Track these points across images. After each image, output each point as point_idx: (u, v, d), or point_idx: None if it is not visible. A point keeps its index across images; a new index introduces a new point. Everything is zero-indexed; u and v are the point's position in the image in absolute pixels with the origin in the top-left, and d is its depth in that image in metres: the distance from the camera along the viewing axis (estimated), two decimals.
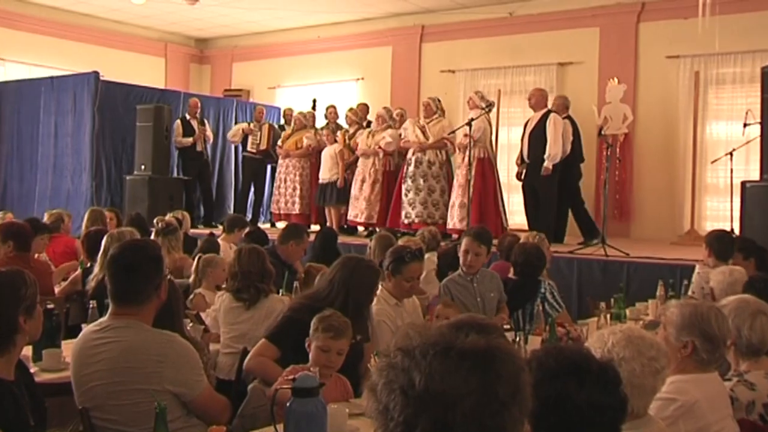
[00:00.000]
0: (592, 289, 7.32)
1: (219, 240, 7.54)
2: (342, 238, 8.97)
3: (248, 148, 11.98)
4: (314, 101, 12.70)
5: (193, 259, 5.71)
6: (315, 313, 3.45)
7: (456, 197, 9.30)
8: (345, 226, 10.70)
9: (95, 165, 11.20)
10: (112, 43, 14.21)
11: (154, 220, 6.83)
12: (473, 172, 9.04)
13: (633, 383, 2.24)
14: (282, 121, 12.71)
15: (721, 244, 5.70)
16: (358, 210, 10.21)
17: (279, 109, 13.66)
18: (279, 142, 11.59)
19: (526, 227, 9.30)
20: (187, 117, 11.77)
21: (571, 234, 9.54)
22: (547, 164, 8.95)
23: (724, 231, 6.10)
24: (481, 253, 5.10)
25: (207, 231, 9.48)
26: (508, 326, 4.42)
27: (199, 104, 11.94)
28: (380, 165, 10.22)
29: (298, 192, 11.20)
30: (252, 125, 12.07)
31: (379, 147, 10.12)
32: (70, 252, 7.10)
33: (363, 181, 10.22)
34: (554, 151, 8.97)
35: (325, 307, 3.60)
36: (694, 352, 2.79)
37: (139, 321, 2.87)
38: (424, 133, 9.75)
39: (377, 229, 9.39)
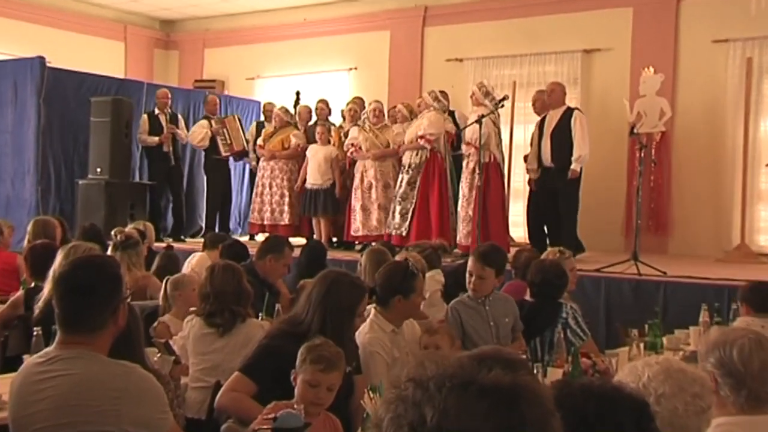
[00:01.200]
0: (622, 314, 7.31)
1: (200, 255, 7.54)
2: (332, 254, 8.95)
3: (223, 153, 11.83)
4: (297, 94, 12.70)
5: (156, 276, 5.70)
6: (295, 339, 3.44)
7: (460, 208, 9.32)
8: (334, 240, 10.70)
9: (41, 167, 11.17)
10: (61, 23, 14.20)
11: (112, 232, 6.82)
12: (476, 180, 9.08)
13: (675, 424, 2.22)
14: (262, 118, 12.71)
15: (758, 296, 5.61)
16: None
17: (259, 103, 13.67)
18: (260, 141, 11.56)
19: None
20: (156, 111, 11.77)
21: (593, 248, 9.52)
22: (575, 167, 9.10)
23: (758, 282, 5.92)
24: (486, 277, 5.05)
25: (177, 245, 9.48)
26: (524, 357, 4.42)
27: (170, 96, 11.93)
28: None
29: (287, 199, 11.15)
30: (215, 122, 11.91)
31: (399, 146, 10.10)
32: (10, 270, 7.05)
33: (386, 186, 10.12)
34: (584, 151, 9.13)
35: (305, 331, 3.60)
36: (718, 387, 2.76)
37: (93, 351, 2.86)
38: (405, 132, 9.84)
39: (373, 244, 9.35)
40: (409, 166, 9.66)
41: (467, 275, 5.09)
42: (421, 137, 9.56)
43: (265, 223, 11.27)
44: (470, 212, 9.07)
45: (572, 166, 9.10)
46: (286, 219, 11.12)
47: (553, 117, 9.47)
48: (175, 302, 5.33)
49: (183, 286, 5.37)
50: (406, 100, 11.23)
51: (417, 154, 9.67)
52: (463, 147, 9.54)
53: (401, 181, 9.69)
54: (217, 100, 12.39)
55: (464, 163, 9.47)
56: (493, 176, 9.33)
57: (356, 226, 10.17)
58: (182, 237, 11.67)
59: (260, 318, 5.13)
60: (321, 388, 3.22)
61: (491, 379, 1.32)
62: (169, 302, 5.35)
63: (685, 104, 10.94)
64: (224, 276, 4.62)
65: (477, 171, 9.01)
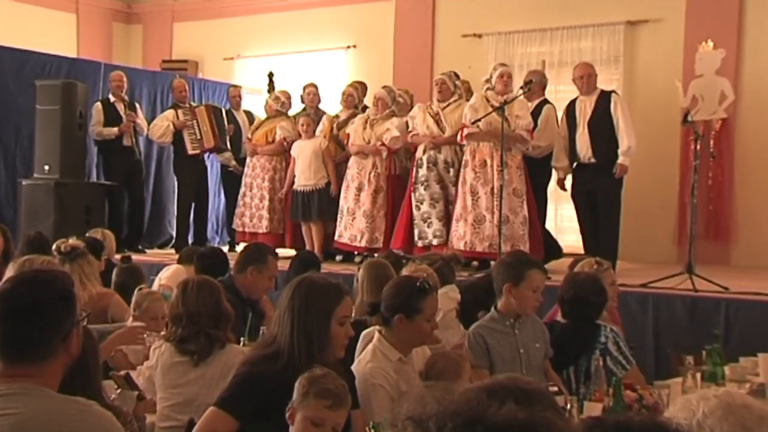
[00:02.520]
0: (674, 338, 7.31)
1: (174, 267, 7.54)
2: (327, 267, 8.96)
3: (190, 151, 11.83)
4: (270, 76, 12.68)
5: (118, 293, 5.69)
6: (274, 360, 3.44)
7: (507, 209, 9.23)
8: (331, 251, 10.73)
9: None
10: None
11: (53, 246, 6.74)
12: (488, 174, 9.22)
13: None
14: (228, 106, 12.69)
15: None
16: (355, 230, 10.20)
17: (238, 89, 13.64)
18: (248, 135, 11.59)
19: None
20: (111, 98, 11.77)
21: (639, 259, 9.48)
22: (624, 161, 9.13)
23: None
24: None
25: (135, 256, 9.46)
26: (555, 388, 4.40)
27: (125, 79, 11.94)
28: (383, 167, 10.24)
29: (266, 203, 11.21)
30: (182, 113, 11.91)
31: (383, 144, 10.13)
32: None
33: (360, 189, 10.21)
34: (633, 141, 9.17)
35: (279, 349, 3.61)
36: None
37: (40, 385, 2.84)
38: (438, 123, 9.79)
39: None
40: (461, 164, 9.69)
41: (533, 292, 5.05)
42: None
43: (246, 230, 11.36)
44: (526, 214, 9.18)
45: (620, 161, 9.12)
46: (264, 226, 11.19)
47: (586, 104, 9.47)
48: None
49: (141, 310, 5.38)
50: (414, 83, 11.27)
51: (461, 150, 9.76)
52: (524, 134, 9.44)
53: (440, 181, 9.70)
54: (186, 85, 12.35)
55: (509, 154, 9.22)
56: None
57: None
58: (140, 247, 11.66)
59: (242, 343, 5.14)
60: (325, 427, 3.24)
61: (503, 416, 1.31)
62: None
63: (751, 85, 10.94)
64: (199, 294, 4.61)
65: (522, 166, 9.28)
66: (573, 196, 9.71)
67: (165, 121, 11.92)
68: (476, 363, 4.73)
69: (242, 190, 11.51)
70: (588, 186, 9.40)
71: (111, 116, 11.62)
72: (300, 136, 11.04)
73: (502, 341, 4.96)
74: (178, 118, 11.83)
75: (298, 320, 3.73)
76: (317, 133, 10.92)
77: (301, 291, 3.82)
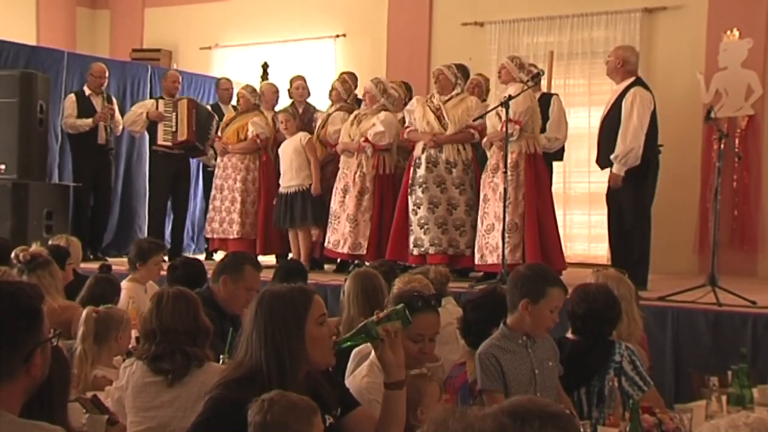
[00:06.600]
0: (696, 357, 7.33)
1: (126, 281, 7.51)
2: (314, 276, 8.94)
3: (160, 141, 11.86)
4: (265, 67, 12.66)
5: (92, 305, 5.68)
6: (252, 384, 3.44)
7: (493, 216, 9.22)
8: (317, 258, 10.78)
9: None
10: None
11: (12, 254, 6.73)
12: (521, 176, 9.08)
13: None
14: (216, 99, 12.68)
15: None
16: (339, 235, 10.20)
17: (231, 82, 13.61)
18: (218, 132, 11.58)
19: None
20: (86, 91, 11.78)
21: (656, 270, 9.49)
22: (617, 170, 8.85)
23: None
24: None
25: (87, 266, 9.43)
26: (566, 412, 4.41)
27: (107, 73, 11.94)
28: (369, 167, 10.21)
29: (237, 206, 11.22)
30: (163, 104, 11.96)
31: (366, 140, 10.14)
32: None
33: (345, 190, 10.22)
34: (631, 145, 8.73)
35: (254, 370, 3.59)
36: None
37: None
38: (440, 118, 9.78)
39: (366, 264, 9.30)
40: (465, 164, 9.70)
41: (551, 311, 4.96)
42: (473, 127, 9.62)
43: (215, 236, 11.41)
44: (515, 220, 9.02)
45: (613, 169, 8.85)
46: (234, 231, 11.21)
47: (612, 96, 9.23)
48: (102, 345, 5.32)
49: (107, 329, 5.36)
50: (410, 76, 11.25)
51: (465, 149, 9.77)
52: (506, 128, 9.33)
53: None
54: (179, 77, 12.44)
55: (495, 157, 9.29)
56: (541, 171, 9.29)
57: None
58: (99, 254, 11.68)
59: (221, 361, 5.12)
60: None
61: None
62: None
63: None
64: (175, 307, 4.61)
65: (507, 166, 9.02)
66: (607, 201, 9.46)
67: (140, 109, 11.99)
68: (490, 387, 4.70)
69: (212, 193, 11.53)
70: (611, 190, 9.17)
71: (85, 111, 11.66)
72: (275, 134, 11.11)
73: (517, 361, 4.88)
74: (157, 106, 11.88)
75: (265, 338, 3.69)
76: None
77: (263, 306, 3.77)
